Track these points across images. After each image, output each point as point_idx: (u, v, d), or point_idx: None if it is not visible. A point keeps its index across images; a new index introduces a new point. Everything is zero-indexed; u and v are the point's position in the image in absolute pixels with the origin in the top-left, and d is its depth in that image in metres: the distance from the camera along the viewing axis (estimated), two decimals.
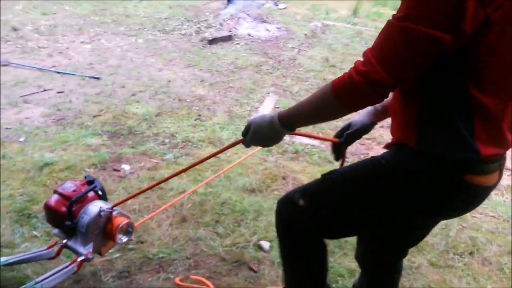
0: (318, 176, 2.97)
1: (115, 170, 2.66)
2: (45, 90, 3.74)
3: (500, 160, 1.06)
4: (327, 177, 1.23)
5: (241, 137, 1.24)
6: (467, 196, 1.07)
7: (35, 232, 2.07)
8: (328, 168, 2.92)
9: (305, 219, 1.23)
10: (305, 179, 2.75)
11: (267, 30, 6.17)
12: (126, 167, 2.70)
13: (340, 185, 1.20)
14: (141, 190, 1.76)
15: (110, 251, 1.97)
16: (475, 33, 0.85)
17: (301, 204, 1.21)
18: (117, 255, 1.96)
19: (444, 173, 1.02)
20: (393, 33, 0.90)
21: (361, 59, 0.96)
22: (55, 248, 1.71)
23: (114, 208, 1.67)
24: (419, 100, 1.00)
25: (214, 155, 1.43)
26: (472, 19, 0.83)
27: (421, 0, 0.85)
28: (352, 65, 0.97)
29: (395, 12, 0.91)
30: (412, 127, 1.03)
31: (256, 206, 2.42)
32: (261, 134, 1.15)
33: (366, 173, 1.16)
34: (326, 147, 3.22)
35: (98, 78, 4.08)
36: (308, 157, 3.06)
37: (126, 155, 2.84)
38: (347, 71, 0.98)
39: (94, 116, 3.34)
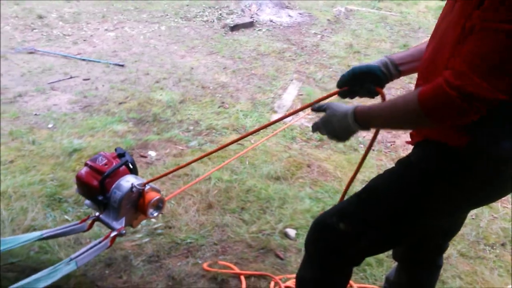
0: (343, 164, 2.89)
1: (142, 156, 2.69)
2: (71, 77, 3.80)
3: None
4: (363, 196, 1.17)
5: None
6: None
7: (66, 216, 2.12)
8: (353, 156, 2.88)
9: (349, 242, 1.16)
10: (330, 167, 2.72)
11: (289, 16, 6.08)
12: (152, 153, 2.73)
13: (382, 200, 1.13)
14: (168, 172, 1.79)
15: (140, 235, 2.01)
16: None
17: (342, 229, 1.14)
18: (147, 239, 2.00)
19: (497, 167, 1.00)
20: (496, 39, 0.82)
21: (449, 71, 0.88)
22: (88, 222, 1.72)
23: None
24: None
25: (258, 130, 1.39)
26: None
27: None
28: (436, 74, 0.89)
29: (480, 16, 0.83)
30: (464, 130, 0.98)
31: (281, 193, 2.42)
32: (332, 124, 1.08)
33: (406, 182, 1.09)
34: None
35: (122, 66, 4.11)
36: (333, 144, 3.03)
37: (152, 141, 2.86)
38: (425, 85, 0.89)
39: (120, 103, 3.38)
